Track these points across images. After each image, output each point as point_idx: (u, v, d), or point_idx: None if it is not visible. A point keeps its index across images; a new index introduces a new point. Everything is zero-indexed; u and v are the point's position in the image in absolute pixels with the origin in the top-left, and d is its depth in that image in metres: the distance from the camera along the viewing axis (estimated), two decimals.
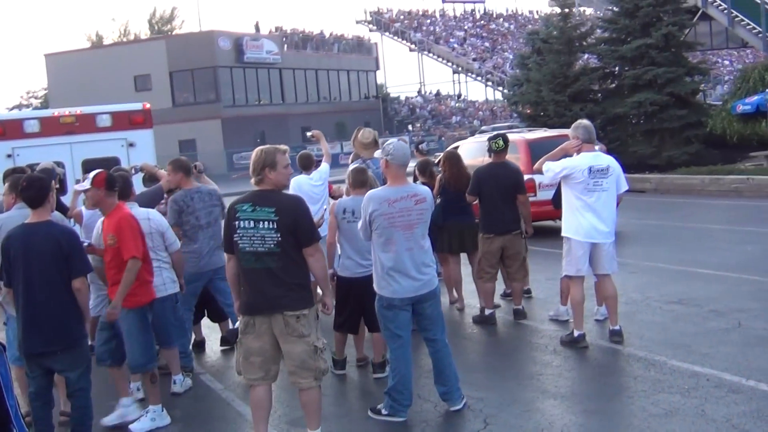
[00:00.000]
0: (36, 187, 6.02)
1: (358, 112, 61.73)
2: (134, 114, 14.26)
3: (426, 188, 6.70)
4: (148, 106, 14.55)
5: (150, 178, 9.26)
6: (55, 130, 13.64)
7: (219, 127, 51.20)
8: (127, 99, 34.58)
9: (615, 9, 28.80)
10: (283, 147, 6.03)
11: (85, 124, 13.80)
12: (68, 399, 6.21)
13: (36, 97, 77.80)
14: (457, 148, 16.44)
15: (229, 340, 9.24)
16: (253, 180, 5.84)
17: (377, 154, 6.96)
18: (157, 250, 7.41)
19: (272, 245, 5.67)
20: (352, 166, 9.21)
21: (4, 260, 5.27)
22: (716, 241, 13.83)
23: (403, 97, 71.25)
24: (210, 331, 9.55)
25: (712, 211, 18.10)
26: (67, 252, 5.88)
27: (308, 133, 10.65)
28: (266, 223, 5.67)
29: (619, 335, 8.20)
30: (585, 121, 8.55)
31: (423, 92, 72.58)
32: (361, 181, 7.60)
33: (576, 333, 8.21)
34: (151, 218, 7.45)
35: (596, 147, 8.56)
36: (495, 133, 10.78)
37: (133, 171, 8.92)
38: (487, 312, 9.56)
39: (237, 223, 5.74)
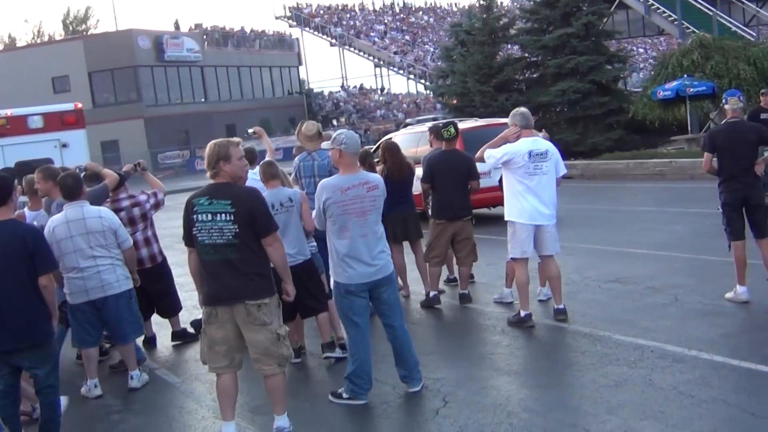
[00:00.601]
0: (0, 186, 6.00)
1: (282, 108, 61.61)
2: (66, 114, 14.16)
3: (378, 176, 6.86)
4: (80, 105, 14.48)
5: (92, 178, 9.20)
6: None
7: (142, 127, 50.58)
8: (46, 101, 33.90)
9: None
10: (236, 139, 6.15)
11: (17, 126, 13.66)
12: (37, 396, 6.21)
13: None
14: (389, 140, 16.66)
15: (180, 336, 9.30)
16: (208, 174, 5.95)
17: (325, 144, 7.09)
18: (110, 248, 7.43)
19: (230, 236, 5.77)
20: (296, 160, 9.39)
21: None
22: (645, 223, 14.30)
23: (326, 92, 71.27)
24: (159, 327, 9.55)
25: (638, 194, 18.66)
26: (32, 249, 5.89)
27: (250, 131, 10.71)
28: (223, 215, 5.77)
29: (564, 314, 8.49)
30: (522, 109, 8.78)
31: (346, 87, 72.71)
32: (272, 174, 7.78)
33: (522, 313, 8.46)
34: (103, 216, 7.46)
35: (540, 134, 8.80)
36: (446, 121, 11.01)
37: (77, 171, 8.88)
38: (432, 294, 9.79)
39: (195, 216, 5.83)
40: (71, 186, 7.41)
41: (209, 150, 5.89)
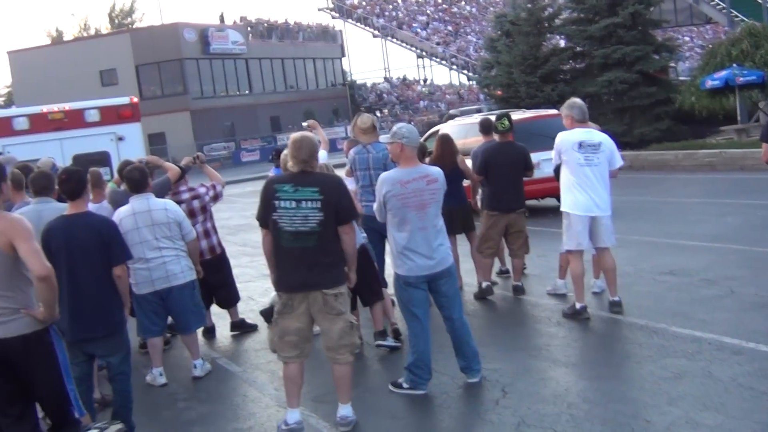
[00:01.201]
0: (74, 179, 6.22)
1: (325, 100, 61.90)
2: (122, 108, 14.41)
3: (438, 169, 6.91)
4: (135, 99, 14.72)
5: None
6: (45, 126, 13.76)
7: (188, 119, 51.16)
8: (94, 94, 34.62)
9: None
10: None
11: (74, 120, 13.93)
12: (110, 383, 6.42)
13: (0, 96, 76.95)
14: (434, 134, 16.75)
15: (239, 326, 9.49)
16: (295, 165, 6.02)
17: (384, 138, 7.17)
18: (175, 239, 7.62)
19: (314, 224, 5.92)
20: (351, 152, 9.50)
21: (45, 252, 5.47)
22: (697, 214, 14.23)
23: (369, 84, 71.40)
24: (218, 318, 9.74)
25: (688, 185, 18.54)
26: (108, 240, 6.10)
27: (304, 123, 10.86)
28: (309, 203, 5.92)
29: (619, 306, 8.52)
30: (578, 101, 8.77)
31: (389, 78, 72.77)
32: None
33: (578, 305, 8.51)
34: (168, 208, 7.66)
35: (594, 126, 8.83)
36: (499, 112, 11.07)
37: (143, 164, 9.08)
38: (484, 284, 9.87)
39: (277, 203, 5.93)
40: (138, 179, 7.63)
41: (303, 144, 6.00)
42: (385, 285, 8.70)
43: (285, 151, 7.48)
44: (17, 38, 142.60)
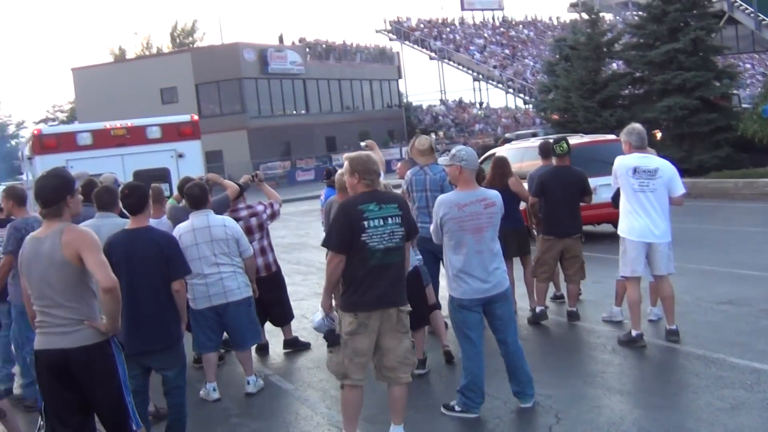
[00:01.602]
0: (137, 195, 6.36)
1: (381, 121, 62.12)
2: (183, 125, 14.63)
3: (496, 192, 6.91)
4: (196, 117, 14.93)
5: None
6: (107, 142, 14.02)
7: (245, 138, 51.67)
8: (154, 112, 35.15)
9: (642, 14, 29.01)
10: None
11: (136, 136, 14.17)
12: (165, 397, 6.50)
13: (62, 111, 78.56)
14: (490, 156, 16.72)
15: (292, 344, 9.54)
16: (364, 183, 6.00)
17: (443, 160, 7.19)
18: (233, 256, 7.72)
19: (398, 240, 5.99)
20: (408, 174, 9.54)
21: None
22: (757, 244, 14.00)
23: (425, 106, 71.53)
24: (271, 335, 9.81)
25: (748, 214, 18.25)
26: (168, 255, 6.21)
27: (362, 143, 10.92)
28: (394, 218, 5.98)
29: (676, 334, 8.40)
30: (638, 127, 8.68)
31: (445, 100, 72.86)
32: None
33: (634, 333, 8.41)
34: (227, 225, 7.76)
35: (653, 152, 8.75)
36: (557, 136, 11.02)
37: (203, 181, 9.21)
38: (538, 309, 9.82)
39: (366, 223, 5.87)
40: (198, 195, 7.76)
41: (371, 160, 6.07)
42: (439, 307, 8.70)
43: (340, 171, 7.56)
44: (82, 55, 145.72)
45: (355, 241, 5.86)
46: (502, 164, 10.26)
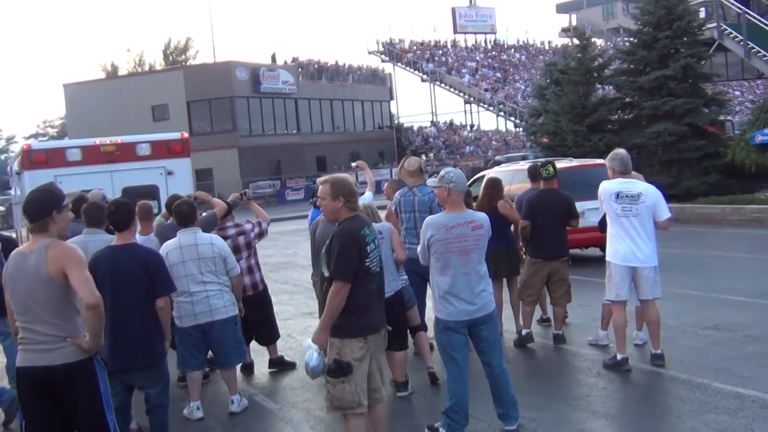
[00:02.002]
0: (123, 211, 6.37)
1: (372, 142, 62.25)
2: (173, 143, 14.63)
3: (483, 215, 6.94)
4: (186, 135, 14.93)
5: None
6: (97, 158, 14.01)
7: (236, 156, 51.68)
8: (145, 129, 35.16)
9: (633, 41, 29.20)
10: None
11: (126, 153, 14.17)
12: (147, 415, 6.47)
13: (53, 126, 78.53)
14: (480, 179, 16.79)
15: (277, 363, 9.51)
16: (347, 206, 5.87)
17: (432, 182, 7.22)
18: (219, 274, 7.71)
19: (380, 260, 6.04)
20: (397, 195, 9.56)
21: None
22: (743, 269, 14.06)
23: (416, 127, 71.72)
24: (257, 354, 9.78)
25: (735, 240, 18.32)
26: (153, 272, 6.20)
27: (353, 164, 10.98)
28: (378, 241, 6.05)
29: (661, 359, 8.42)
30: (622, 152, 8.70)
31: (436, 122, 73.07)
32: None
33: (619, 356, 8.43)
34: (215, 243, 7.77)
35: (639, 177, 8.78)
36: (544, 160, 11.07)
37: (191, 198, 9.22)
38: (525, 332, 9.83)
39: (367, 248, 5.84)
40: (186, 213, 7.76)
41: (351, 183, 5.94)
42: (425, 328, 8.70)
43: None
44: (73, 71, 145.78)
45: (361, 268, 5.78)
46: (493, 185, 10.29)
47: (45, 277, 4.99)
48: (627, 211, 8.28)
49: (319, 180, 6.09)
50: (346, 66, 66.72)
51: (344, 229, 5.84)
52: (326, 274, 5.82)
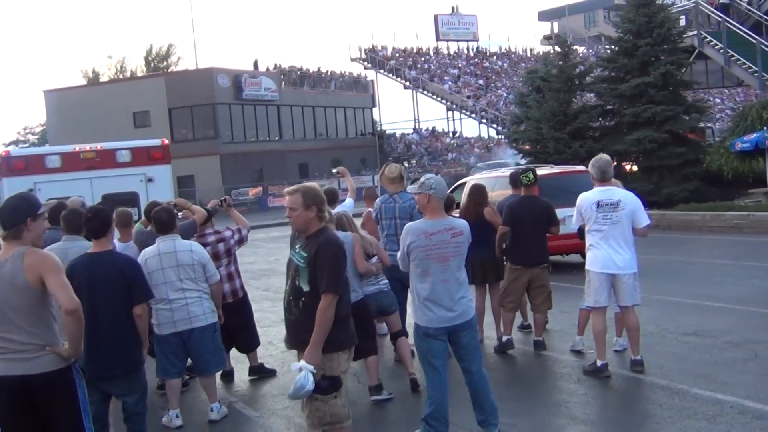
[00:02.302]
0: (99, 218, 6.32)
1: (354, 149, 62.27)
2: (153, 150, 14.59)
3: (464, 222, 6.93)
4: (167, 142, 14.89)
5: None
6: (76, 165, 13.95)
7: (218, 163, 51.58)
8: (126, 135, 35.08)
9: (614, 48, 29.36)
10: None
11: (106, 160, 14.12)
12: (125, 423, 6.44)
13: (33, 133, 78.13)
14: (461, 185, 16.84)
15: (257, 370, 9.48)
16: (318, 215, 5.75)
17: (412, 189, 7.20)
18: (198, 281, 7.67)
19: None
20: (377, 202, 9.57)
21: None
22: (723, 276, 14.13)
23: (398, 134, 71.79)
24: (236, 362, 9.74)
25: (715, 246, 18.43)
26: (130, 280, 6.17)
27: (334, 170, 10.98)
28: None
29: (641, 365, 8.45)
30: (601, 158, 8.69)
31: (418, 129, 73.15)
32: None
33: (599, 363, 8.45)
34: (194, 250, 7.73)
35: (618, 184, 8.79)
36: (525, 167, 11.08)
37: (171, 205, 9.18)
38: (505, 339, 9.84)
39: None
40: (165, 220, 7.72)
41: (320, 191, 5.84)
42: (406, 334, 8.71)
43: None
44: (55, 77, 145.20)
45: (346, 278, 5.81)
46: (478, 192, 10.31)
47: (22, 284, 4.95)
48: (607, 219, 8.31)
49: (287, 190, 5.82)
50: (329, 73, 66.76)
51: (331, 239, 5.76)
52: (305, 288, 5.60)
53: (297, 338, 5.73)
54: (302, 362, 5.50)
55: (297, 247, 5.83)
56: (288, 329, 5.84)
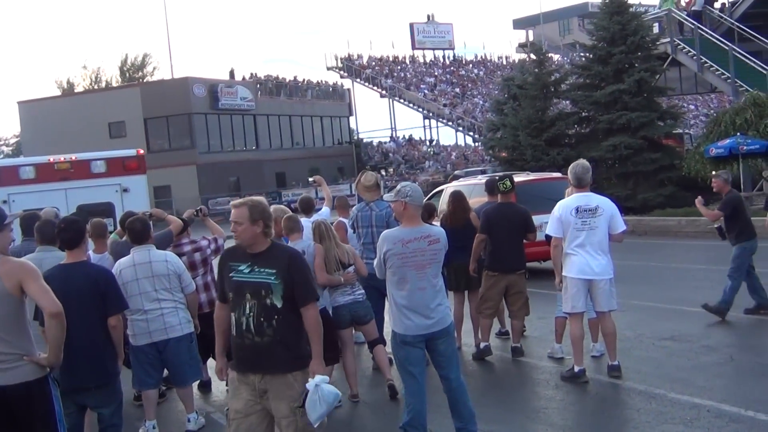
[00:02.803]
0: (73, 229, 6.27)
1: (331, 158, 62.26)
2: (128, 160, 14.50)
3: (440, 229, 6.92)
4: (142, 152, 14.83)
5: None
6: (51, 176, 13.84)
7: (194, 173, 51.39)
8: (102, 146, 34.83)
9: (589, 56, 29.57)
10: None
11: (80, 170, 14.01)
12: None
13: (7, 145, 77.55)
14: (438, 193, 16.87)
15: None
16: (264, 230, 5.45)
17: (388, 197, 7.19)
18: (174, 291, 7.63)
19: None
20: (353, 210, 9.57)
21: None
22: (699, 281, 14.22)
23: (375, 143, 71.83)
24: (213, 372, 9.65)
25: (690, 251, 18.55)
26: (104, 290, 6.12)
27: (310, 179, 10.97)
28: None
29: (618, 370, 8.47)
30: (578, 164, 8.69)
31: (395, 137, 73.22)
32: (290, 228, 8.32)
33: (576, 368, 8.47)
34: (169, 260, 7.68)
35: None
36: (502, 174, 11.11)
37: (145, 216, 9.13)
38: (483, 345, 9.85)
39: None
40: (139, 230, 7.67)
41: (267, 206, 5.58)
42: (384, 342, 8.69)
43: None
44: (28, 88, 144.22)
45: None
46: (461, 198, 10.33)
47: (1, 293, 4.92)
48: (585, 225, 8.34)
49: (233, 203, 5.53)
50: (305, 82, 66.72)
51: (295, 251, 5.73)
52: (279, 305, 5.35)
53: (273, 360, 5.36)
54: (316, 378, 5.30)
55: (245, 267, 5.42)
56: (253, 354, 5.40)
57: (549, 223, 8.67)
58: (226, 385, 9.32)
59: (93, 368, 6.11)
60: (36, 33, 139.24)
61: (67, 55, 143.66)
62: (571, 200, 8.50)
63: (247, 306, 5.37)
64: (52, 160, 14.37)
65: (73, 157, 14.41)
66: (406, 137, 73.89)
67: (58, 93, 76.19)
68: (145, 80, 78.38)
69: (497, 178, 10.34)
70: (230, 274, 5.47)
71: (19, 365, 4.98)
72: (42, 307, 4.94)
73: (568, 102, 32.76)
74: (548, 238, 8.84)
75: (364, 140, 71.54)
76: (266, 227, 5.41)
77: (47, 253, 6.97)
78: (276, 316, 5.36)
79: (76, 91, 77.02)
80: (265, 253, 5.43)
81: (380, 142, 72.01)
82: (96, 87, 78.75)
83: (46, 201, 12.04)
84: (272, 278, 5.35)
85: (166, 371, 8.03)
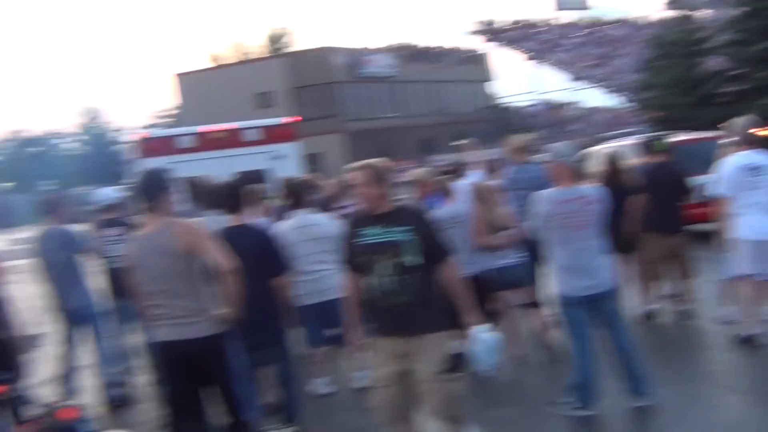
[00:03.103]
0: (236, 194, 6.73)
1: (475, 123, 61.84)
2: (281, 128, 14.69)
3: (597, 189, 6.73)
4: (294, 119, 14.98)
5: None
6: (206, 145, 14.14)
7: (341, 140, 52.08)
8: (249, 116, 35.62)
9: (744, 10, 28.20)
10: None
11: (235, 139, 14.26)
12: (277, 389, 6.75)
13: (167, 117, 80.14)
14: (588, 155, 16.42)
15: None
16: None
17: (542, 158, 7.09)
18: (336, 253, 7.73)
19: None
20: (507, 172, 9.47)
21: None
22: None
23: (519, 107, 70.98)
24: None
25: None
26: (268, 252, 6.47)
27: (457, 144, 10.96)
28: None
29: None
30: (740, 121, 8.31)
31: (539, 101, 72.14)
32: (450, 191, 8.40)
33: (749, 332, 8.10)
34: (328, 223, 7.87)
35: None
36: (658, 134, 10.76)
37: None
38: (648, 308, 9.69)
39: None
40: (300, 194, 7.84)
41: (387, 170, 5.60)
42: (539, 306, 8.62)
43: None
44: (178, 63, 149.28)
45: None
46: (616, 159, 10.05)
47: (175, 253, 5.16)
48: (752, 184, 7.95)
49: (351, 166, 5.56)
50: (445, 48, 66.43)
51: (421, 208, 6.00)
52: (417, 262, 5.29)
53: (414, 320, 5.30)
54: (476, 329, 5.37)
55: (376, 229, 5.36)
56: (393, 316, 5.33)
57: (715, 183, 8.30)
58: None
59: (262, 327, 6.31)
60: (183, 10, 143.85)
61: (214, 30, 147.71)
62: (735, 159, 8.10)
63: (384, 267, 5.30)
64: (207, 129, 14.69)
65: (228, 126, 14.68)
66: (551, 100, 72.71)
67: (212, 65, 78.28)
68: (288, 51, 79.75)
69: (653, 137, 9.99)
70: (360, 240, 5.43)
71: (201, 320, 5.20)
72: (220, 265, 5.12)
73: (719, 59, 31.37)
74: (712, 198, 8.47)
75: (508, 104, 70.81)
76: (387, 188, 5.41)
77: (211, 218, 7.17)
78: (415, 274, 5.28)
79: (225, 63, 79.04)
80: (393, 213, 5.41)
81: (524, 106, 71.15)
82: (243, 59, 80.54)
83: (202, 169, 12.30)
84: (408, 235, 5.29)
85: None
